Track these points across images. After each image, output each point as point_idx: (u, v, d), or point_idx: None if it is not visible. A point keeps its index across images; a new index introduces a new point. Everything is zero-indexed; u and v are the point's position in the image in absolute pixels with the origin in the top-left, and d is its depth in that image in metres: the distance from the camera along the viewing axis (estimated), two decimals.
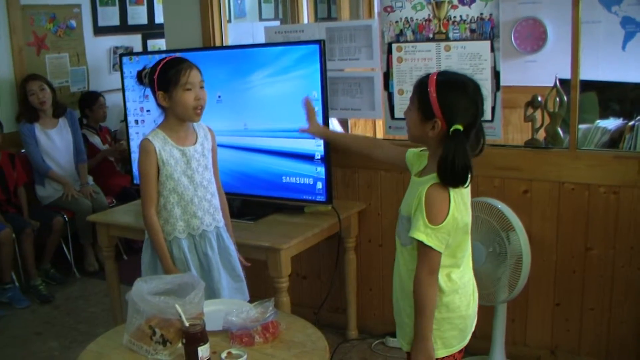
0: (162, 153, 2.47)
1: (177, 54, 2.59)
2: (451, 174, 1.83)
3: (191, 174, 2.53)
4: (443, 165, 1.83)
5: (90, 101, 5.21)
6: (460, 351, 2.05)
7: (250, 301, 2.38)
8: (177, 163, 2.50)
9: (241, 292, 2.67)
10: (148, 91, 2.58)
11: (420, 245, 1.88)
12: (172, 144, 2.50)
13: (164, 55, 2.57)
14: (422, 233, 1.86)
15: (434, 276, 1.91)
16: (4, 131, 4.54)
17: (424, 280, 1.90)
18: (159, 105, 2.52)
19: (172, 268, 2.50)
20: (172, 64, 2.47)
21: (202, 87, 2.50)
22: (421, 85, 1.89)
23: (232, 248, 2.68)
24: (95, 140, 5.21)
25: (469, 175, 1.84)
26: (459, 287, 1.97)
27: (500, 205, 2.79)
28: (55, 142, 4.78)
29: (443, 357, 2.00)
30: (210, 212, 2.59)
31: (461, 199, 1.90)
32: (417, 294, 1.91)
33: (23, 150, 4.73)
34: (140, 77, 2.58)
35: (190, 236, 2.57)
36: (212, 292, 2.56)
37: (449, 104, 1.84)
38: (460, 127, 1.82)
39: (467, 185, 1.88)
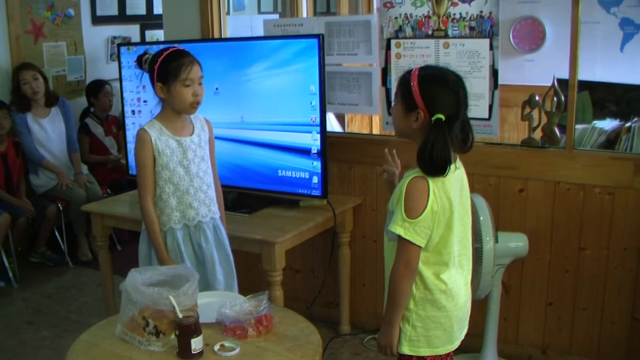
0: (157, 143, 2.47)
1: (179, 46, 2.55)
2: (430, 162, 1.85)
3: (187, 164, 2.52)
4: (422, 153, 1.87)
5: (95, 90, 5.15)
6: (448, 354, 2.04)
7: (244, 294, 2.37)
8: (173, 153, 2.49)
9: (232, 289, 2.65)
10: (145, 81, 2.57)
11: (399, 238, 1.90)
12: (169, 134, 2.50)
13: (167, 46, 2.54)
14: (400, 227, 1.89)
15: (410, 270, 1.92)
16: None
17: (400, 273, 1.93)
18: (156, 94, 2.50)
19: (167, 259, 2.50)
20: (174, 56, 2.45)
21: (200, 84, 2.48)
22: (404, 80, 1.96)
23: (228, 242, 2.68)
24: (98, 130, 5.15)
25: (448, 166, 1.87)
26: (448, 288, 1.97)
27: (478, 201, 2.73)
28: (48, 132, 4.76)
29: (426, 357, 2.00)
30: (206, 203, 2.59)
31: (444, 192, 1.91)
32: (392, 286, 1.95)
33: (16, 139, 4.70)
34: (140, 62, 2.55)
35: (186, 227, 2.56)
36: (206, 284, 2.56)
37: (430, 93, 1.89)
38: (441, 117, 1.86)
39: (446, 175, 1.89)
